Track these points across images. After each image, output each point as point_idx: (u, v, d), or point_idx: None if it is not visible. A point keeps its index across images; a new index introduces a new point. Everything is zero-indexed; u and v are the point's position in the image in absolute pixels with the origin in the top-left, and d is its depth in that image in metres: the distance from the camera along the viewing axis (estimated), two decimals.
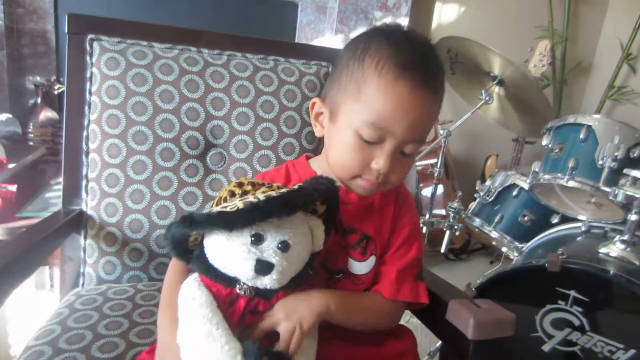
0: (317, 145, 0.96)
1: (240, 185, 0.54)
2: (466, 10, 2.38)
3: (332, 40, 2.10)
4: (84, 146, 0.85)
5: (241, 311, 0.51)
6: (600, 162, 1.20)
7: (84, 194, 0.86)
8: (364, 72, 0.56)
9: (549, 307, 1.09)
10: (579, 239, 1.29)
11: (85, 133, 0.85)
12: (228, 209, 0.48)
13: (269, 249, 0.49)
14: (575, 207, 1.41)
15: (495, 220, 1.55)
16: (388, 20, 2.12)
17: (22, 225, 1.05)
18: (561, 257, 1.05)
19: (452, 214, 1.58)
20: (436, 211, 2.05)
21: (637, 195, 1.05)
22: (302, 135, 0.94)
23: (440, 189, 2.13)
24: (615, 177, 1.19)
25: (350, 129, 0.57)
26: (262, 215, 0.47)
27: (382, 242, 0.65)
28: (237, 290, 0.50)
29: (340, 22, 2.08)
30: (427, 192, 2.17)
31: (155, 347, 0.55)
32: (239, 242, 0.49)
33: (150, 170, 0.85)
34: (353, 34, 2.07)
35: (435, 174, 1.62)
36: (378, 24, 2.10)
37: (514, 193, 1.53)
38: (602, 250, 1.12)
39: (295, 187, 0.53)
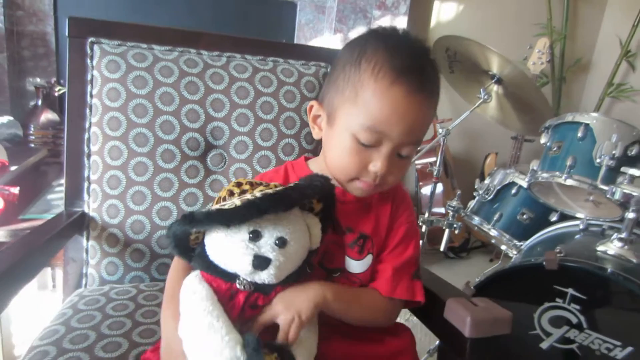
0: (316, 146, 0.97)
1: (238, 185, 0.55)
2: (465, 9, 2.38)
3: (331, 39, 2.11)
4: (86, 148, 0.86)
5: (241, 305, 0.52)
6: (598, 161, 1.21)
7: (86, 196, 0.87)
8: (361, 77, 0.57)
9: (547, 305, 1.10)
10: (577, 237, 1.30)
11: (86, 135, 0.86)
12: (226, 207, 0.50)
13: (267, 245, 0.51)
14: (574, 205, 1.42)
15: (494, 218, 1.55)
16: (387, 19, 2.13)
17: (24, 227, 1.05)
18: (559, 255, 1.06)
19: (451, 213, 1.59)
20: (436, 209, 2.05)
21: (634, 194, 1.05)
22: (301, 135, 0.95)
23: (440, 187, 2.13)
24: (612, 175, 1.19)
25: (348, 132, 0.58)
26: (258, 211, 0.49)
27: (379, 241, 0.65)
28: (237, 285, 0.52)
29: (339, 22, 2.09)
30: (426, 190, 2.18)
31: (159, 346, 0.56)
32: (237, 239, 0.50)
33: (151, 171, 0.86)
34: (352, 33, 2.09)
35: (435, 173, 1.63)
36: (375, 25, 2.10)
37: (513, 191, 1.53)
38: (600, 248, 1.12)
39: (291, 185, 0.55)
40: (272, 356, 0.48)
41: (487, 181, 1.64)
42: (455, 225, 1.58)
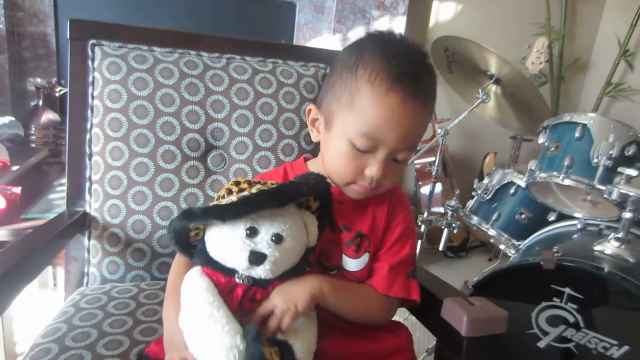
0: (315, 146, 0.98)
1: (237, 184, 0.57)
2: (463, 8, 2.39)
3: (330, 39, 2.12)
4: (87, 149, 0.87)
5: (239, 298, 0.54)
6: (595, 161, 1.22)
7: (87, 196, 0.87)
8: (357, 83, 0.58)
9: (544, 304, 1.10)
10: (574, 236, 1.30)
11: (88, 136, 0.87)
12: (223, 203, 0.52)
13: (263, 241, 0.52)
14: (572, 205, 1.43)
15: (493, 218, 1.56)
16: (386, 19, 2.13)
17: (27, 226, 1.06)
18: (556, 255, 1.07)
19: (450, 212, 1.60)
20: (435, 209, 2.06)
21: (631, 194, 1.05)
22: (300, 136, 0.96)
23: (439, 187, 2.15)
24: (610, 175, 1.20)
25: (344, 138, 0.59)
26: (253, 206, 0.51)
27: (376, 240, 0.67)
28: (236, 280, 0.54)
29: (338, 22, 2.09)
30: (425, 190, 2.19)
31: (162, 339, 0.57)
32: (235, 235, 0.52)
33: (152, 172, 0.87)
34: (351, 34, 2.09)
35: (433, 173, 1.64)
36: (374, 25, 2.11)
37: (511, 191, 1.54)
38: (597, 247, 1.13)
39: (287, 182, 0.57)
40: (271, 349, 0.49)
41: (485, 181, 1.65)
42: (454, 225, 1.59)
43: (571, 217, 1.38)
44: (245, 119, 0.92)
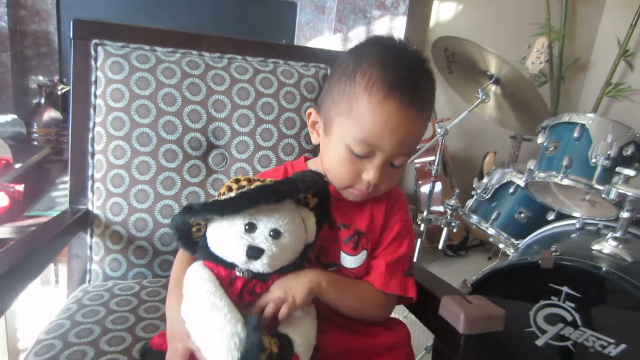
0: (315, 146, 0.98)
1: (237, 181, 0.58)
2: (464, 8, 2.39)
3: (331, 39, 2.12)
4: (90, 148, 0.88)
5: (239, 290, 0.55)
6: (594, 161, 1.22)
7: (90, 194, 0.88)
8: (355, 90, 0.59)
9: (542, 302, 1.11)
10: (573, 235, 1.31)
11: (90, 135, 0.87)
12: (222, 198, 0.54)
13: (261, 236, 0.54)
14: (570, 204, 1.43)
15: (492, 217, 1.56)
16: (386, 19, 2.14)
17: (30, 224, 1.07)
18: (554, 254, 1.08)
19: (449, 211, 1.61)
20: (434, 208, 2.07)
21: (629, 193, 1.06)
22: (301, 136, 0.97)
23: (439, 186, 2.16)
24: (608, 175, 1.21)
25: (342, 143, 0.60)
26: (251, 201, 0.53)
27: (374, 238, 0.68)
28: (236, 273, 0.55)
29: (338, 22, 2.10)
30: (425, 189, 2.20)
31: (165, 332, 0.59)
32: (234, 231, 0.54)
33: (154, 170, 0.88)
34: (351, 33, 2.10)
35: (433, 172, 1.65)
36: (373, 29, 2.11)
37: (511, 190, 1.54)
38: (595, 247, 1.14)
39: (284, 178, 0.59)
40: (271, 339, 0.50)
41: (485, 180, 1.65)
42: (453, 224, 1.59)
43: (570, 217, 1.39)
44: (246, 118, 0.93)
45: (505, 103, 1.76)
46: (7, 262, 0.60)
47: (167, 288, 0.65)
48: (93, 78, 0.88)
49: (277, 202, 0.56)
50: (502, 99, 1.76)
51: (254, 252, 0.54)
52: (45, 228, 0.78)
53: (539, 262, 1.07)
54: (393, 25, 2.15)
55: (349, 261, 0.66)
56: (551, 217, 1.45)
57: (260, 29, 2.10)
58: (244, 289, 0.55)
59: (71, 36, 0.87)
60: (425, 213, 1.65)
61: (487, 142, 2.51)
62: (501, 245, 1.58)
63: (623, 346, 1.02)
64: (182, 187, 0.89)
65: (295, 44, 2.14)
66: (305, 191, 0.60)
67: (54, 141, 1.65)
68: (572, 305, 1.07)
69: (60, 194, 1.27)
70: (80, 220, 0.86)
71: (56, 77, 1.76)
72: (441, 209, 2.08)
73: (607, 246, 1.13)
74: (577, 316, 1.07)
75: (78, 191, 0.89)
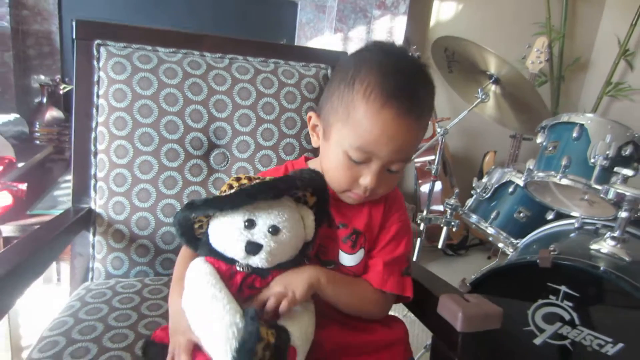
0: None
1: (238, 179, 0.60)
2: (464, 8, 2.40)
3: (332, 38, 2.13)
4: (93, 147, 0.89)
5: (238, 284, 0.57)
6: (592, 161, 1.22)
7: (92, 193, 0.89)
8: (353, 97, 0.59)
9: (540, 302, 1.12)
10: (571, 235, 1.32)
11: (93, 135, 0.88)
12: (222, 195, 0.57)
13: (259, 232, 0.56)
14: (569, 204, 1.44)
15: (492, 216, 1.57)
16: (387, 18, 2.14)
17: (32, 222, 1.08)
18: (553, 254, 1.08)
19: (449, 211, 1.61)
20: (434, 207, 2.08)
21: (627, 193, 1.06)
22: (301, 135, 0.98)
23: (439, 185, 2.16)
24: (606, 175, 1.21)
25: (340, 149, 0.61)
26: (249, 197, 0.55)
27: (372, 237, 0.69)
28: (237, 268, 0.57)
29: (339, 21, 2.11)
30: (425, 188, 2.20)
31: (167, 327, 0.60)
32: (234, 227, 0.56)
33: (156, 170, 0.88)
34: (352, 33, 2.11)
35: (433, 171, 1.65)
36: (374, 28, 2.12)
37: (510, 190, 1.54)
38: (593, 246, 1.14)
39: (282, 176, 0.60)
40: (268, 330, 0.51)
41: (484, 180, 1.65)
42: (453, 223, 1.60)
43: (569, 216, 1.39)
44: (247, 118, 0.94)
45: (504, 103, 1.77)
46: (12, 261, 0.61)
47: (169, 286, 0.66)
48: (96, 78, 0.88)
49: (275, 198, 0.57)
50: (502, 98, 1.76)
51: (253, 248, 0.55)
52: (48, 227, 0.79)
53: (537, 261, 1.08)
54: (393, 25, 2.16)
55: (347, 259, 0.67)
56: (550, 216, 1.45)
57: (261, 28, 2.11)
58: (243, 283, 0.57)
59: (74, 37, 0.88)
60: (425, 212, 1.66)
61: (487, 142, 2.51)
62: (500, 245, 1.59)
63: (620, 345, 1.03)
64: (183, 186, 0.90)
65: (295, 43, 2.14)
66: (303, 189, 0.61)
67: (56, 140, 1.66)
68: (570, 304, 1.08)
69: (63, 193, 1.28)
70: (83, 219, 0.87)
71: (58, 77, 1.77)
72: (441, 208, 2.09)
73: (605, 246, 1.13)
74: (575, 315, 1.08)
75: (81, 190, 0.90)
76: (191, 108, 0.91)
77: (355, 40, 2.15)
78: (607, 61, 2.48)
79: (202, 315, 0.52)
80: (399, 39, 2.18)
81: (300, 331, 0.56)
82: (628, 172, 1.11)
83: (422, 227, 1.65)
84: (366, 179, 0.61)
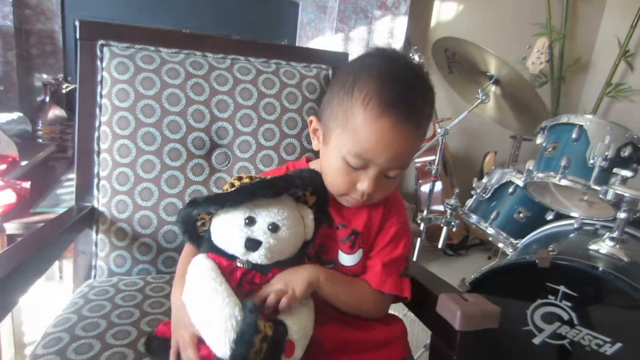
0: None
1: (239, 179, 0.62)
2: (465, 8, 2.40)
3: (333, 39, 2.13)
4: (96, 146, 0.89)
5: (238, 279, 0.58)
6: (591, 162, 1.22)
7: (95, 192, 0.90)
8: (352, 105, 0.60)
9: (539, 301, 1.12)
10: (571, 235, 1.32)
11: (96, 134, 0.89)
12: (223, 192, 0.59)
13: (259, 230, 0.58)
14: (569, 204, 1.44)
15: (492, 216, 1.57)
16: (387, 19, 2.15)
17: (36, 220, 1.09)
18: (552, 254, 1.09)
19: (449, 211, 1.62)
20: (435, 207, 2.09)
21: (626, 194, 1.06)
22: (302, 135, 0.98)
23: (439, 185, 2.17)
24: (605, 176, 1.21)
25: (339, 154, 0.62)
26: (249, 194, 0.57)
27: (370, 238, 0.70)
28: (237, 264, 0.59)
29: (340, 21, 2.11)
30: (426, 188, 2.21)
31: (169, 322, 0.61)
32: (235, 224, 0.58)
33: (158, 169, 0.89)
34: (353, 33, 2.11)
35: (433, 171, 1.66)
36: (374, 28, 2.12)
37: (510, 190, 1.55)
38: (592, 247, 1.15)
39: (282, 175, 0.62)
40: (266, 323, 0.52)
41: (484, 180, 1.66)
42: (453, 223, 1.60)
43: (568, 217, 1.40)
44: (248, 118, 0.95)
45: (505, 103, 1.78)
46: (17, 258, 0.62)
47: (171, 284, 0.67)
48: (99, 78, 0.89)
49: (274, 196, 0.59)
50: (502, 99, 1.77)
51: (252, 244, 0.57)
52: (52, 225, 0.80)
53: (536, 261, 1.08)
54: (394, 25, 2.16)
55: (346, 259, 0.68)
56: (550, 217, 1.46)
57: (262, 28, 2.12)
58: (243, 279, 0.58)
59: (78, 37, 0.89)
60: (425, 212, 1.66)
61: (487, 142, 2.52)
62: (500, 245, 1.59)
63: (619, 345, 1.03)
64: (185, 185, 0.91)
65: (297, 43, 2.15)
66: (303, 188, 0.62)
67: (59, 139, 1.67)
68: (569, 304, 1.09)
69: (65, 191, 1.29)
70: (86, 217, 0.88)
71: (60, 76, 1.78)
72: (441, 208, 2.10)
73: (604, 246, 1.13)
74: (573, 315, 1.08)
75: (84, 189, 0.91)
76: (193, 108, 0.91)
77: (356, 41, 2.15)
78: (608, 62, 2.49)
79: (202, 307, 0.54)
80: (399, 40, 2.18)
81: (299, 326, 0.57)
82: (627, 173, 1.12)
83: (422, 227, 1.65)
84: (363, 184, 0.62)
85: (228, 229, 0.59)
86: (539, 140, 1.43)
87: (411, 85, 0.61)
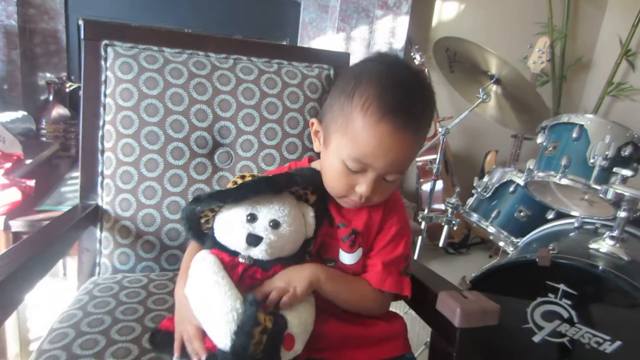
0: None
1: (242, 177, 0.64)
2: (466, 8, 2.40)
3: (334, 38, 2.14)
4: (100, 145, 0.91)
5: (240, 274, 0.60)
6: (592, 161, 1.23)
7: (99, 190, 0.91)
8: (352, 110, 0.61)
9: (539, 299, 1.13)
10: (571, 234, 1.32)
11: (100, 133, 0.90)
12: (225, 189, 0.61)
13: (260, 226, 0.60)
14: (569, 203, 1.44)
15: (493, 215, 1.57)
16: (389, 18, 2.15)
17: (41, 218, 1.10)
18: (552, 252, 1.09)
19: (450, 209, 1.62)
20: (436, 206, 2.09)
21: (626, 193, 1.06)
22: (304, 135, 0.99)
23: (440, 184, 2.17)
24: (605, 175, 1.22)
25: (338, 157, 0.63)
26: (250, 190, 0.59)
27: (370, 238, 0.70)
28: (239, 259, 0.60)
29: (341, 21, 2.12)
30: (427, 187, 2.21)
31: (173, 317, 0.62)
32: (237, 220, 0.60)
33: (161, 168, 0.90)
34: (354, 32, 2.12)
35: (434, 170, 1.66)
36: (376, 28, 2.13)
37: (511, 189, 1.55)
38: (593, 245, 1.15)
39: (283, 173, 0.64)
40: (266, 316, 0.54)
41: (485, 179, 1.66)
42: (453, 222, 1.61)
43: (569, 216, 1.40)
44: (251, 117, 0.96)
45: (506, 103, 1.78)
46: (23, 256, 0.63)
47: (174, 281, 0.69)
48: (103, 78, 0.90)
49: (275, 192, 0.61)
50: (503, 98, 1.77)
51: (253, 240, 0.59)
52: (57, 222, 0.81)
53: (537, 260, 1.09)
54: (395, 25, 2.17)
55: (347, 258, 0.69)
56: (550, 216, 1.46)
57: (264, 28, 2.12)
58: (244, 274, 0.60)
59: (82, 37, 0.90)
60: (426, 211, 1.67)
61: (488, 141, 2.52)
62: (501, 244, 1.60)
63: (618, 343, 1.04)
64: (188, 184, 0.92)
65: (298, 43, 2.15)
66: (302, 185, 0.64)
67: (62, 137, 1.68)
68: (569, 302, 1.09)
69: (69, 189, 1.30)
70: (91, 215, 0.89)
71: (64, 75, 1.79)
72: (442, 207, 2.10)
73: (604, 245, 1.14)
74: (573, 313, 1.09)
75: (88, 187, 0.92)
76: (196, 107, 0.92)
77: (357, 40, 2.16)
78: (609, 61, 2.48)
79: (204, 300, 0.55)
80: (401, 39, 2.19)
81: (299, 320, 0.58)
82: (627, 172, 1.12)
83: (423, 225, 1.66)
84: (362, 188, 0.63)
85: (230, 225, 0.60)
86: (539, 139, 1.43)
87: (411, 92, 0.61)
